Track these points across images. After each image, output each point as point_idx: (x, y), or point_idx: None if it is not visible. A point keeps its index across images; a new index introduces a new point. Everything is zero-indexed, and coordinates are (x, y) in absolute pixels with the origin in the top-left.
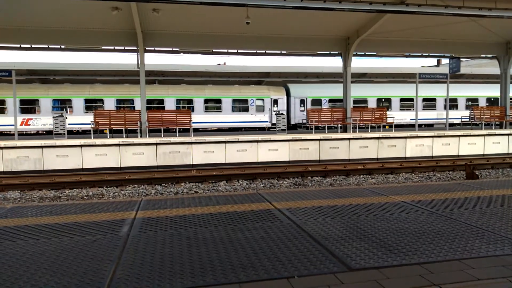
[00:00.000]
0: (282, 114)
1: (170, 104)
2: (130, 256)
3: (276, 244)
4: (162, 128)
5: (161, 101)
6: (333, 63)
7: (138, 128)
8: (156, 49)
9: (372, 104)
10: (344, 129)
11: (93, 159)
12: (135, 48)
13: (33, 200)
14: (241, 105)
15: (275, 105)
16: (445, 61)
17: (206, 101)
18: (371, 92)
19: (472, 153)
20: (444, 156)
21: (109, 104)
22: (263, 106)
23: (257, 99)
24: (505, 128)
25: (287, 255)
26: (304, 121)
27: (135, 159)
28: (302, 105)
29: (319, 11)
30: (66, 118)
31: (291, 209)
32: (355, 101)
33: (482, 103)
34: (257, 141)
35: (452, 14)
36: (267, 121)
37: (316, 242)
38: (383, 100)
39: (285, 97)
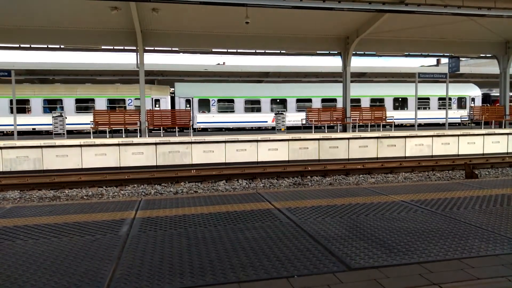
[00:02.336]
0: (282, 114)
1: (36, 105)
2: (129, 255)
3: (276, 243)
4: (162, 128)
5: (27, 102)
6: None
7: (138, 128)
8: (155, 48)
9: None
10: (344, 129)
11: (92, 159)
12: (135, 47)
13: (33, 200)
14: (117, 106)
15: (157, 105)
16: (444, 60)
17: (78, 101)
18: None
19: (471, 152)
20: (443, 155)
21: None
22: None
23: (136, 98)
24: (505, 127)
25: (286, 255)
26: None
27: (135, 159)
28: (188, 105)
29: (319, 11)
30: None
31: (290, 209)
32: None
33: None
34: (257, 141)
35: (452, 13)
36: None
37: (315, 242)
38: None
39: (169, 96)
